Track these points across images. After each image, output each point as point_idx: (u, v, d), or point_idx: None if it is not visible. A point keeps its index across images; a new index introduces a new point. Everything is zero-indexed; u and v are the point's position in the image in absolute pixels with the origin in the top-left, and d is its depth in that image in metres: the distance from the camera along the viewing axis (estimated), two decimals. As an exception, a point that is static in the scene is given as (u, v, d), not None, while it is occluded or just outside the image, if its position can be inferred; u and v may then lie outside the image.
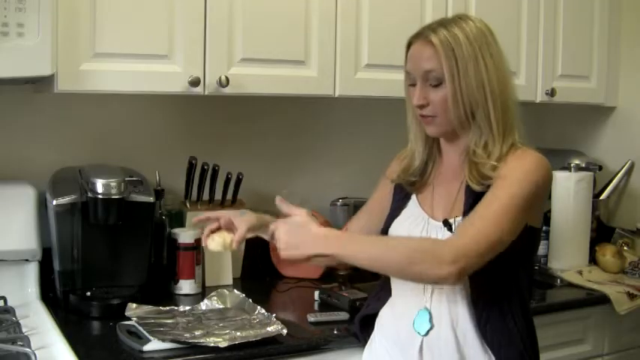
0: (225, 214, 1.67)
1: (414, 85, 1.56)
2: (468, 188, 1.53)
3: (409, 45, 1.58)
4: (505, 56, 1.57)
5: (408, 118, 1.64)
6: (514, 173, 1.48)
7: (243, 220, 1.63)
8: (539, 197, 1.52)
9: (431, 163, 1.64)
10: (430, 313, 1.54)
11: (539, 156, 1.53)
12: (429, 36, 1.52)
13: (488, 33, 1.55)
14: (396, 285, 1.62)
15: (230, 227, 1.64)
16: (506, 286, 1.52)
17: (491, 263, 1.44)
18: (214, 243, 1.62)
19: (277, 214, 2.22)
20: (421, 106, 1.54)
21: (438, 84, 1.51)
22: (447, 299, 1.53)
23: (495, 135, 1.52)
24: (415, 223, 1.59)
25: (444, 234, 1.53)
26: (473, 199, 1.51)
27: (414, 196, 1.63)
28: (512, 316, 1.52)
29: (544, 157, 1.53)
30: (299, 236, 1.45)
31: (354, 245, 1.46)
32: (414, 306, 1.56)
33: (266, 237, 1.68)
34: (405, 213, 1.63)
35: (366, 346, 1.70)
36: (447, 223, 1.54)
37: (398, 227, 1.61)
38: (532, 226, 1.52)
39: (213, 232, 1.64)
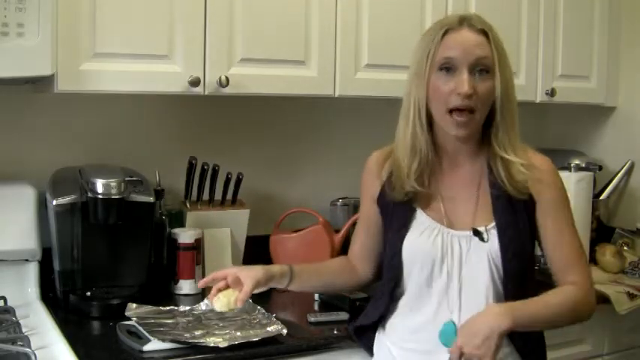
0: (231, 272, 1.60)
1: (448, 70, 1.48)
2: (497, 193, 1.53)
3: (445, 33, 1.50)
4: None
5: (412, 117, 1.54)
6: (557, 186, 1.57)
7: (249, 276, 1.57)
8: None
9: (427, 173, 1.57)
10: (456, 326, 1.50)
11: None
12: (476, 24, 1.50)
13: None
14: (414, 298, 1.57)
15: (238, 284, 1.58)
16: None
17: (525, 274, 1.53)
18: (220, 303, 1.57)
19: (278, 215, 2.22)
20: (469, 96, 1.46)
21: (486, 73, 1.48)
22: (478, 311, 1.48)
23: (517, 131, 1.54)
24: (432, 235, 1.54)
25: (469, 243, 1.52)
26: (504, 204, 1.52)
27: (418, 208, 1.58)
28: None
29: None
30: (480, 333, 1.40)
31: (528, 316, 1.46)
32: (439, 319, 1.53)
33: (280, 286, 1.65)
34: (415, 226, 1.57)
35: (374, 356, 1.66)
36: (477, 233, 1.51)
37: (414, 242, 1.55)
38: None
39: (220, 290, 1.58)
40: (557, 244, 1.56)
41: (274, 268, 1.64)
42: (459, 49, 1.47)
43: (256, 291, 1.59)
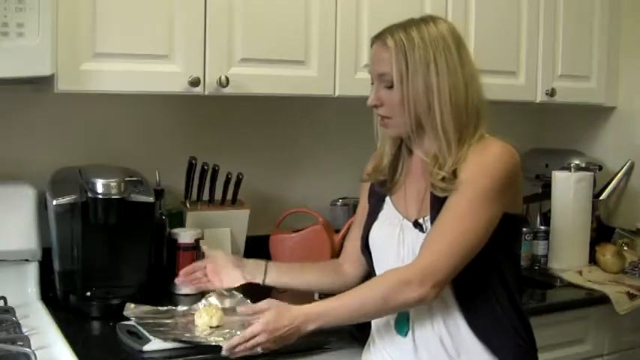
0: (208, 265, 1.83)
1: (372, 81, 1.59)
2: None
3: (371, 44, 1.60)
4: (470, 59, 1.55)
5: (375, 120, 1.64)
6: (474, 171, 1.47)
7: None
8: (509, 185, 1.49)
9: (401, 162, 1.64)
10: (408, 315, 1.54)
11: (501, 144, 1.51)
12: (385, 39, 1.54)
13: (450, 37, 1.52)
14: None
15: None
16: (488, 276, 1.51)
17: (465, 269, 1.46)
18: (201, 321, 1.67)
19: (278, 215, 2.21)
20: (375, 106, 1.58)
21: (391, 86, 1.53)
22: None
23: (444, 143, 1.50)
24: (392, 225, 1.59)
25: (417, 235, 1.53)
26: (439, 200, 1.51)
27: (388, 198, 1.64)
28: (500, 306, 1.52)
29: (506, 145, 1.51)
30: (283, 331, 1.47)
31: (332, 311, 1.48)
32: None
33: (255, 279, 1.79)
34: (381, 216, 1.63)
35: (365, 347, 1.70)
36: (417, 224, 1.55)
37: (377, 231, 1.62)
38: (508, 212, 1.50)
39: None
40: (434, 226, 1.48)
41: (248, 260, 1.83)
42: (370, 63, 1.62)
43: (235, 284, 1.78)
